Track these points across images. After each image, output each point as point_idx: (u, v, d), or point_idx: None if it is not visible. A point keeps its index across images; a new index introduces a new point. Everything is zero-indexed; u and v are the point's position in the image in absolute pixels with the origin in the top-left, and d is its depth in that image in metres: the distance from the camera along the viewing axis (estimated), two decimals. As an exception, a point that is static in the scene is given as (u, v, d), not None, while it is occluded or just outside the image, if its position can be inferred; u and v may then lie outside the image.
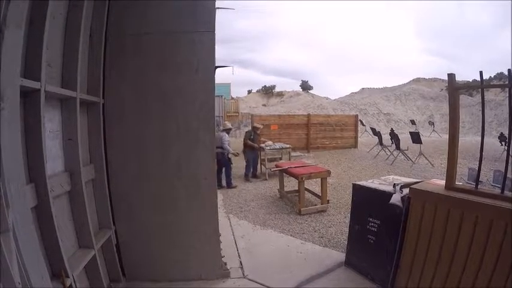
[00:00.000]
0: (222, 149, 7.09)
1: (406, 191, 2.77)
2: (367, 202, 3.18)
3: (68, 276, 1.95)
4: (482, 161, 2.40)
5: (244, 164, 8.32)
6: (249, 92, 42.00)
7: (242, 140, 8.65)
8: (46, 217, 1.88)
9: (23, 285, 1.41)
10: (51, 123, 2.17)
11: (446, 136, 2.59)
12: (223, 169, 7.29)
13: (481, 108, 2.50)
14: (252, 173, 8.37)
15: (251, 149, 8.21)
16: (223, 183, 7.33)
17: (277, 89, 39.97)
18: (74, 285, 2.02)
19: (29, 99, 1.83)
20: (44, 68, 1.85)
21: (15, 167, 1.57)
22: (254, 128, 8.65)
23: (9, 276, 1.28)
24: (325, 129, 13.54)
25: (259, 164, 8.69)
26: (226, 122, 8.59)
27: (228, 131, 7.59)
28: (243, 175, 8.26)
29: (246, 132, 8.87)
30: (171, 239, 3.07)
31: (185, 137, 2.98)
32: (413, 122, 22.76)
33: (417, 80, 36.46)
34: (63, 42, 2.29)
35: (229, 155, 7.36)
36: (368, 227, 3.11)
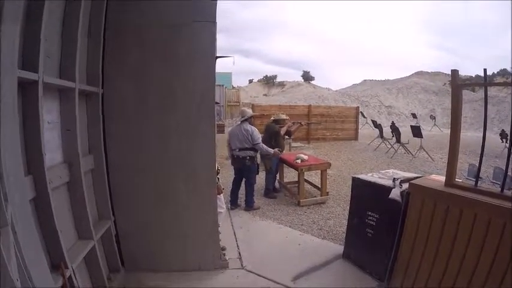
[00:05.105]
0: (252, 151, 4.86)
1: (405, 185, 2.77)
2: (366, 196, 3.19)
3: (67, 268, 1.96)
4: (483, 157, 2.40)
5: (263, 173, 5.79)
6: (250, 81, 41.86)
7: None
8: (45, 209, 1.88)
9: (22, 278, 1.41)
10: (49, 114, 2.15)
11: (447, 131, 2.58)
12: (244, 181, 5.09)
13: (483, 104, 2.48)
14: (273, 186, 5.89)
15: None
16: (240, 201, 5.21)
17: (278, 79, 39.89)
18: (73, 277, 2.04)
19: (27, 90, 1.81)
20: (42, 59, 1.82)
21: (13, 159, 1.55)
22: (276, 122, 5.93)
23: (7, 271, 1.29)
24: (326, 121, 13.46)
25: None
26: (244, 108, 5.89)
27: (250, 120, 5.00)
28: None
29: (269, 125, 5.88)
30: (170, 229, 3.09)
31: (185, 129, 2.97)
32: (414, 116, 22.65)
33: (419, 73, 36.23)
34: (61, 33, 2.25)
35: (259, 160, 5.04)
36: (367, 220, 3.12)
